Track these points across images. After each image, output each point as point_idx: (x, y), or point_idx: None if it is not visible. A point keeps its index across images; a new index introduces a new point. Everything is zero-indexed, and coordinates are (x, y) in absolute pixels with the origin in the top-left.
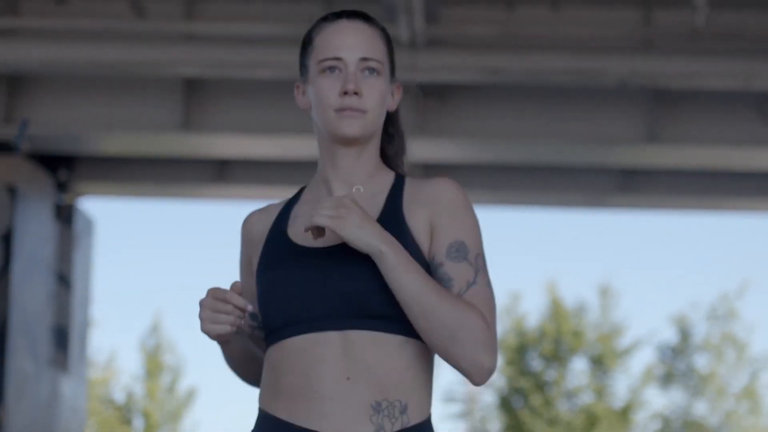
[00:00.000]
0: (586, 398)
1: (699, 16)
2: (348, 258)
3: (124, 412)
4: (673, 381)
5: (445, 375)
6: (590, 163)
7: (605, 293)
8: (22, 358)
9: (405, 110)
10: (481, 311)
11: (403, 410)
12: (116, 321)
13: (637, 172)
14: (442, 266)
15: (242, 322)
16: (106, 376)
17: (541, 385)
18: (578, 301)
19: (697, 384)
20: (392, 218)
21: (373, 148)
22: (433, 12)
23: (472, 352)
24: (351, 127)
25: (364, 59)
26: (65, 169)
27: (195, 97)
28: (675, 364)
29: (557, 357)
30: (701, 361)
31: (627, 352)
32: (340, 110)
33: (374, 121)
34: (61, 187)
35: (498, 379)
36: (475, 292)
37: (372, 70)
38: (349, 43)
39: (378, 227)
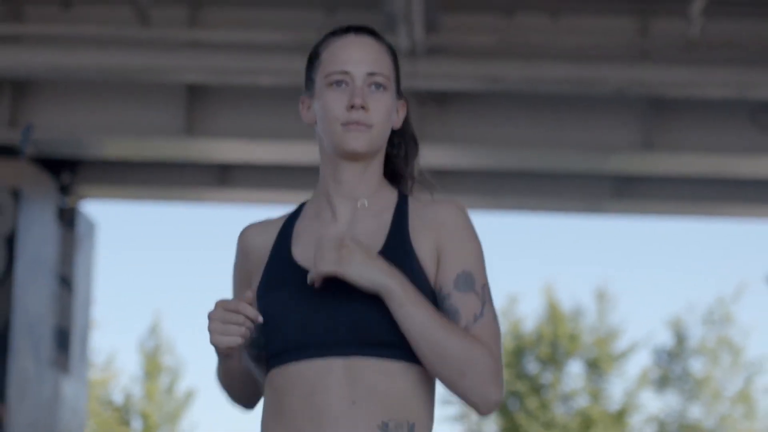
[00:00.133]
0: (582, 401)
1: (694, 27)
2: (353, 285)
3: (123, 413)
4: (669, 384)
5: None
6: (587, 169)
7: (602, 297)
8: (24, 359)
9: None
10: (488, 345)
11: (411, 430)
12: (116, 322)
13: (633, 178)
14: (449, 297)
15: (253, 334)
16: (105, 377)
17: (537, 388)
18: (575, 305)
19: (692, 388)
20: (399, 242)
21: (378, 164)
22: (433, 21)
23: (480, 386)
24: (357, 141)
25: (371, 74)
26: (68, 173)
27: (198, 102)
28: (670, 367)
29: (554, 360)
30: (697, 365)
31: (623, 355)
32: (347, 124)
33: (380, 136)
34: (64, 190)
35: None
36: (482, 325)
37: (379, 85)
38: (357, 57)
39: (382, 263)
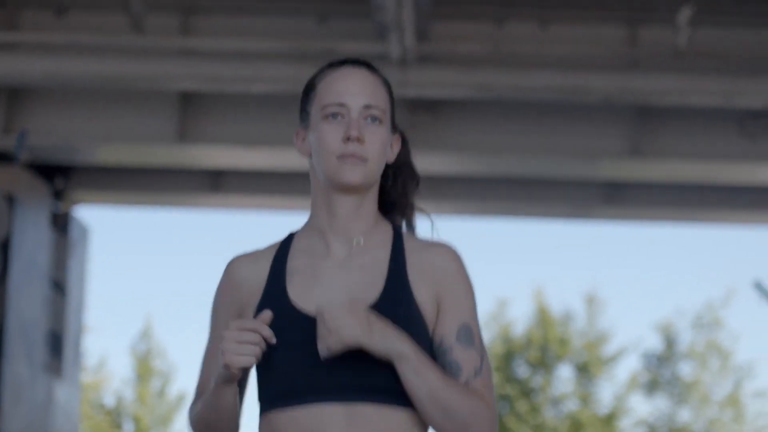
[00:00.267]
0: (572, 405)
1: (681, 36)
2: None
3: (115, 417)
4: (658, 388)
5: None
6: (576, 176)
7: (591, 301)
8: (18, 364)
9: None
10: (487, 398)
11: None
12: (108, 326)
13: (622, 185)
14: (451, 351)
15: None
16: (97, 380)
17: (527, 392)
18: (565, 309)
19: (681, 391)
20: (399, 287)
21: (373, 198)
22: (424, 29)
23: None
24: (353, 174)
25: (368, 106)
26: (62, 178)
27: (191, 109)
28: (660, 371)
29: (543, 364)
30: (686, 369)
31: (612, 359)
32: (342, 157)
33: (375, 169)
34: (58, 195)
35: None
36: (481, 379)
37: (375, 118)
38: (353, 89)
39: (389, 329)
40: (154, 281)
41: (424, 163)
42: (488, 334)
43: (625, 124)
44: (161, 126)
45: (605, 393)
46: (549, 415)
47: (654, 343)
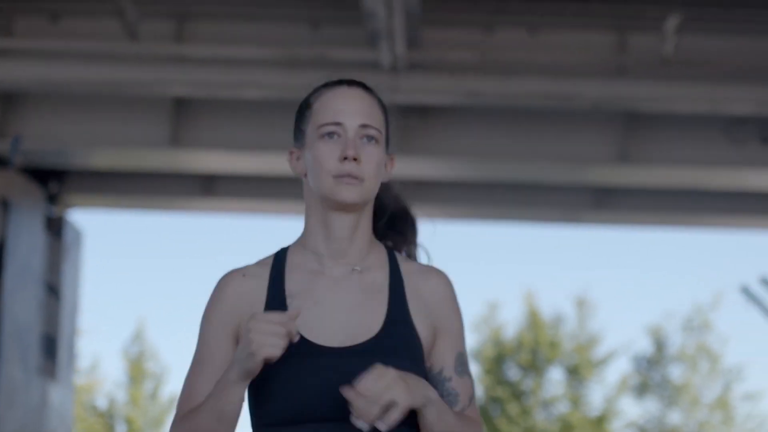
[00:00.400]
0: (563, 407)
1: (668, 44)
2: (361, 362)
3: (107, 419)
4: (648, 391)
5: None
6: (565, 181)
7: (582, 304)
8: (12, 366)
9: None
10: (479, 421)
11: None
12: (100, 329)
13: (611, 190)
14: (450, 380)
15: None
16: (90, 383)
17: (518, 395)
18: (555, 312)
19: (671, 394)
20: (401, 315)
21: (368, 218)
22: (414, 37)
23: None
24: (349, 193)
25: (364, 126)
26: (56, 182)
27: (183, 114)
28: (650, 374)
29: (534, 367)
30: (676, 372)
31: (603, 362)
32: (339, 176)
33: (371, 189)
34: (52, 199)
35: (476, 389)
36: (474, 404)
37: (371, 137)
38: (350, 109)
39: (417, 379)
40: (146, 284)
41: (415, 168)
42: (479, 337)
43: (614, 131)
44: (154, 131)
45: (596, 395)
46: (540, 417)
47: (644, 345)
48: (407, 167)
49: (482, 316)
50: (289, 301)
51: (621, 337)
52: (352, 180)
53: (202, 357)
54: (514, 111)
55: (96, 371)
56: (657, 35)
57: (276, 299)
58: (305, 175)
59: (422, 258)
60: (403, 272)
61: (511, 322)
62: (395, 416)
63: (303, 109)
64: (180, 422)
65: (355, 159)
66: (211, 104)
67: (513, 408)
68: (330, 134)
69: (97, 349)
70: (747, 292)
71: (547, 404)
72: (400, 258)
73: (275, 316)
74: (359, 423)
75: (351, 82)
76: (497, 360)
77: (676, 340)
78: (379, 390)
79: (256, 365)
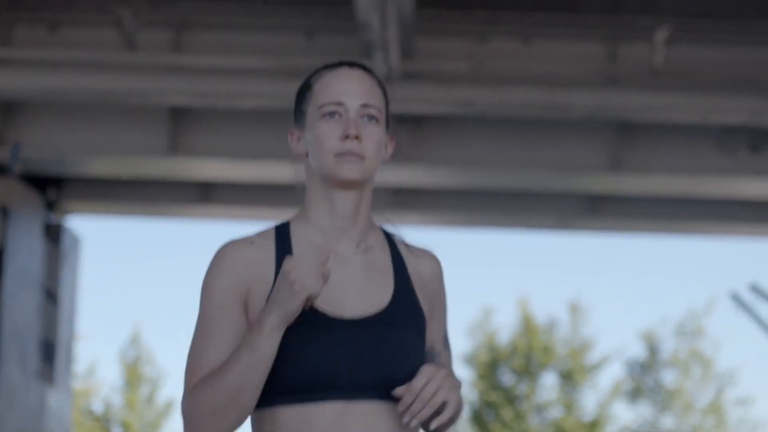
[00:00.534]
0: (556, 412)
1: (658, 55)
2: (373, 332)
3: (104, 423)
4: (641, 396)
5: None
6: (558, 189)
7: (575, 310)
8: (11, 370)
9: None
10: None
11: None
12: (97, 333)
13: (603, 197)
14: (440, 355)
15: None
16: (87, 387)
17: (512, 399)
18: (549, 318)
19: (664, 399)
20: (407, 291)
21: (369, 197)
22: (409, 47)
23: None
24: (351, 171)
25: (365, 105)
26: (54, 189)
27: (181, 123)
28: (643, 379)
29: (528, 372)
30: (668, 377)
31: (596, 367)
32: (341, 154)
33: (372, 167)
34: (50, 206)
35: (470, 393)
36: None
37: (371, 117)
38: (351, 89)
39: (450, 370)
40: (143, 289)
41: (410, 176)
42: (474, 342)
43: (606, 139)
44: (152, 139)
45: (589, 400)
46: (533, 422)
47: (637, 351)
48: (403, 176)
49: (476, 322)
50: None
51: (614, 342)
52: (353, 158)
53: (210, 325)
54: (507, 120)
55: (93, 375)
56: (648, 46)
57: None
58: (306, 155)
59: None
60: (401, 252)
61: (505, 328)
62: (447, 416)
63: (303, 91)
64: (200, 388)
65: (356, 137)
66: (208, 113)
67: (507, 413)
68: (331, 114)
69: (95, 354)
70: (737, 299)
71: (540, 409)
72: (395, 238)
73: (311, 256)
74: (410, 420)
75: (351, 63)
76: (491, 365)
77: (669, 346)
78: (432, 391)
79: (298, 306)
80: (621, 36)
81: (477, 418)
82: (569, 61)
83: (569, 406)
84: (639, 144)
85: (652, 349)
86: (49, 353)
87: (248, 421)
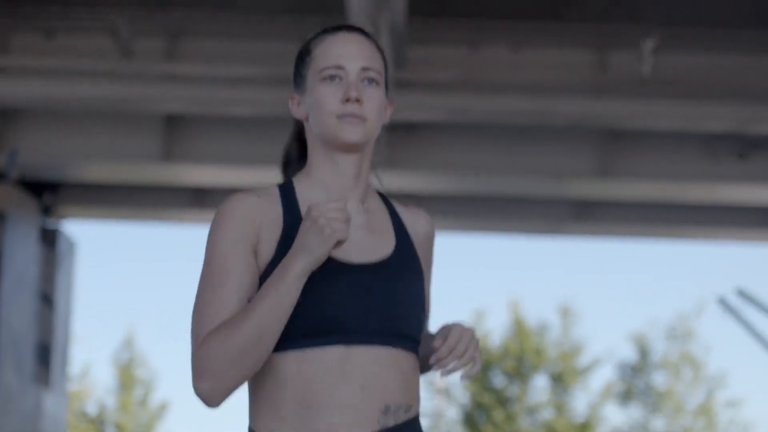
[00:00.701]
0: (547, 414)
1: (646, 64)
2: (383, 275)
3: (98, 425)
4: (632, 398)
5: None
6: (548, 194)
7: (566, 313)
8: (8, 374)
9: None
10: None
11: (408, 410)
12: (91, 336)
13: (592, 203)
14: (427, 312)
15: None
16: (81, 389)
17: (503, 401)
18: (540, 321)
19: (655, 401)
20: (408, 247)
21: (369, 158)
22: (401, 56)
23: None
24: (353, 133)
25: (365, 68)
26: (50, 195)
27: (176, 130)
28: (634, 381)
29: (519, 374)
30: (659, 379)
31: (587, 369)
32: (342, 117)
33: (373, 129)
34: (47, 211)
35: (462, 395)
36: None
37: (372, 80)
38: (351, 52)
39: None
40: (137, 293)
41: (403, 182)
42: None
43: (594, 146)
44: (147, 145)
45: (580, 402)
46: (525, 423)
47: (628, 353)
48: (395, 181)
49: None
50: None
51: (605, 344)
52: (354, 119)
53: (220, 273)
54: (498, 127)
55: (87, 378)
56: (636, 54)
57: (294, 226)
58: (306, 119)
59: None
60: (399, 212)
61: (496, 331)
62: (475, 371)
63: (303, 56)
64: (216, 337)
65: (357, 100)
66: (202, 120)
67: (498, 414)
68: (332, 77)
69: (88, 357)
70: (724, 303)
71: (532, 411)
72: (392, 200)
73: (334, 203)
74: (439, 369)
75: (350, 28)
76: (483, 367)
77: (659, 348)
78: (464, 348)
79: (327, 251)
80: (609, 44)
81: (469, 420)
82: (558, 69)
83: (560, 408)
84: (627, 151)
85: (643, 352)
86: (45, 356)
87: None
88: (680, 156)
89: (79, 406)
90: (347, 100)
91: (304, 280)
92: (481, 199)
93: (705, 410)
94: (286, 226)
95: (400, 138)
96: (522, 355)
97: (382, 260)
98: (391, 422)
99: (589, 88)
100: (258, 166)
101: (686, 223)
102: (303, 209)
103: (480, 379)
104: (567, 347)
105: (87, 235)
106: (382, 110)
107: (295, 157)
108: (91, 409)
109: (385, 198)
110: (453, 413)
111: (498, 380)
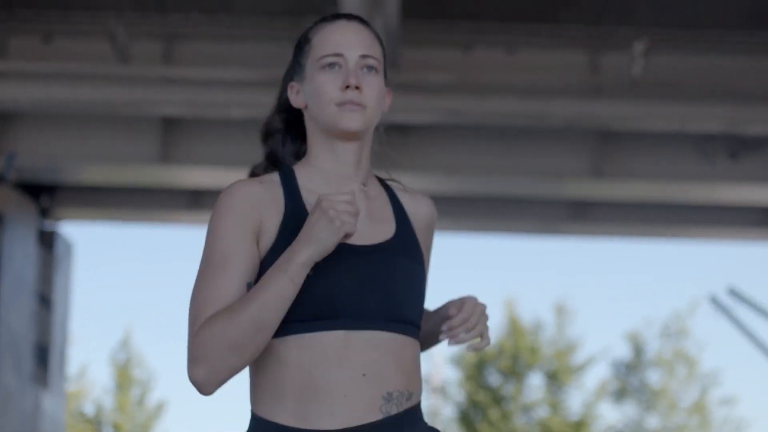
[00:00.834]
0: (542, 412)
1: (637, 66)
2: (384, 257)
3: (95, 425)
4: (627, 396)
5: None
6: (542, 195)
7: (561, 311)
8: (7, 375)
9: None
10: None
11: (409, 398)
12: (88, 336)
13: (586, 203)
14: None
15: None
16: (78, 389)
17: (498, 400)
18: (535, 319)
19: (649, 399)
20: (409, 231)
21: (369, 145)
22: (395, 58)
23: None
24: (353, 120)
25: (364, 56)
26: (48, 197)
27: (172, 133)
28: (628, 379)
29: (514, 372)
30: (654, 377)
31: (582, 367)
32: (342, 104)
33: (373, 116)
34: (44, 213)
35: (457, 394)
36: None
37: (371, 67)
38: (350, 41)
39: None
40: (134, 294)
41: None
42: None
43: (588, 147)
44: (144, 148)
45: (575, 400)
46: (520, 422)
47: (622, 351)
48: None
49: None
50: (308, 207)
51: (599, 343)
52: (354, 107)
53: (221, 259)
54: (492, 129)
55: (84, 378)
56: (628, 56)
57: (296, 213)
58: (305, 108)
59: None
60: (399, 197)
61: (492, 329)
62: (484, 345)
63: (302, 44)
64: (216, 323)
65: (357, 87)
66: (198, 123)
67: (494, 413)
68: (331, 65)
69: (86, 357)
70: (716, 302)
71: (527, 409)
72: (391, 183)
73: (344, 195)
74: (448, 340)
75: (349, 16)
76: (478, 366)
77: (653, 346)
78: (475, 321)
79: (334, 244)
80: (602, 46)
81: (464, 418)
82: (552, 70)
83: (555, 406)
84: (620, 151)
85: (637, 350)
86: (44, 357)
87: None
88: (674, 156)
89: (77, 406)
90: (347, 87)
91: (308, 269)
92: (476, 200)
93: (699, 408)
94: (288, 213)
95: (393, 139)
96: (517, 354)
97: (382, 246)
98: (393, 410)
99: (583, 90)
100: None
101: (680, 222)
102: (304, 196)
103: (475, 377)
104: (562, 346)
105: (84, 237)
106: (382, 98)
107: (279, 128)
108: (89, 409)
109: (385, 183)
110: (448, 411)
111: (493, 379)
